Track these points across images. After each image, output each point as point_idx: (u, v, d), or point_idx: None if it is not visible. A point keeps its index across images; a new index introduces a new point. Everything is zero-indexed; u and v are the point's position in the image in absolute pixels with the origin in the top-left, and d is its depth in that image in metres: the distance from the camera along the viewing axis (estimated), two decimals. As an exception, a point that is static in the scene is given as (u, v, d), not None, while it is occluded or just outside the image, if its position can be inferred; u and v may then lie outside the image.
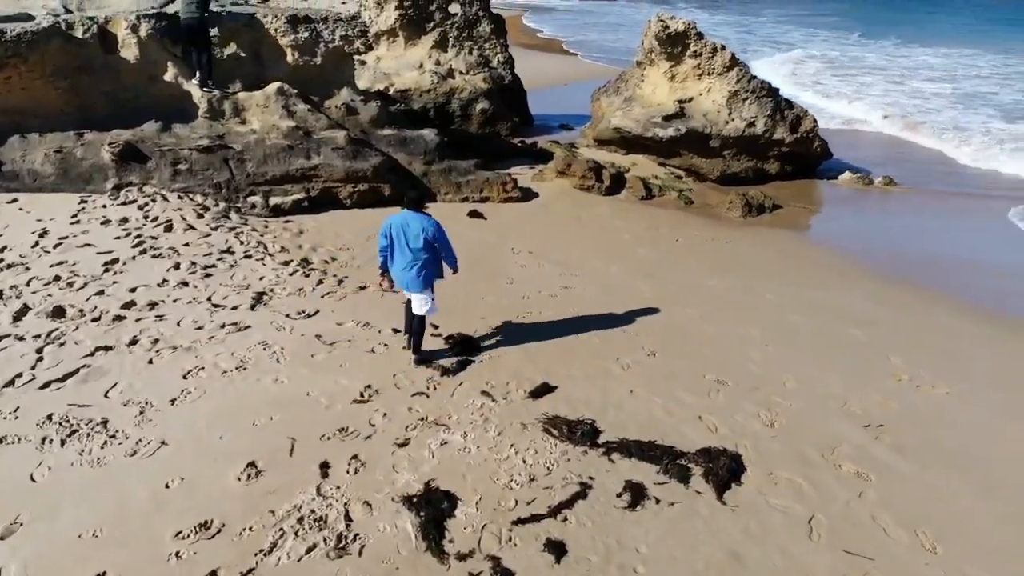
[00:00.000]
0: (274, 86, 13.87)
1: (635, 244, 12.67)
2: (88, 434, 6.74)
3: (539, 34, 47.25)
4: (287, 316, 9.16)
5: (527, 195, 14.98)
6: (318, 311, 9.35)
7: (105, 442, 6.66)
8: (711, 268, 11.81)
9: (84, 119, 13.01)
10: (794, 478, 6.61)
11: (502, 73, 20.82)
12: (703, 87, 16.82)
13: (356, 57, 15.02)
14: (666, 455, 6.75)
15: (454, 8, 20.48)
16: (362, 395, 7.49)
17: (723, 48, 16.58)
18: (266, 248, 11.19)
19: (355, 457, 6.53)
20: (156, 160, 12.71)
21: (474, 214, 13.63)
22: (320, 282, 10.22)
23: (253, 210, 12.62)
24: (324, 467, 6.41)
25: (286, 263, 10.73)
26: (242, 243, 11.20)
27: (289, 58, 14.06)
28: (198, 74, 13.32)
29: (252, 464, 6.41)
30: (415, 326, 8.10)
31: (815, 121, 17.03)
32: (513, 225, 13.23)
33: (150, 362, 7.94)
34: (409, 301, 8.02)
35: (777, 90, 16.96)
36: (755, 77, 16.73)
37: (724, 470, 6.58)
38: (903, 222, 14.85)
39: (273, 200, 12.87)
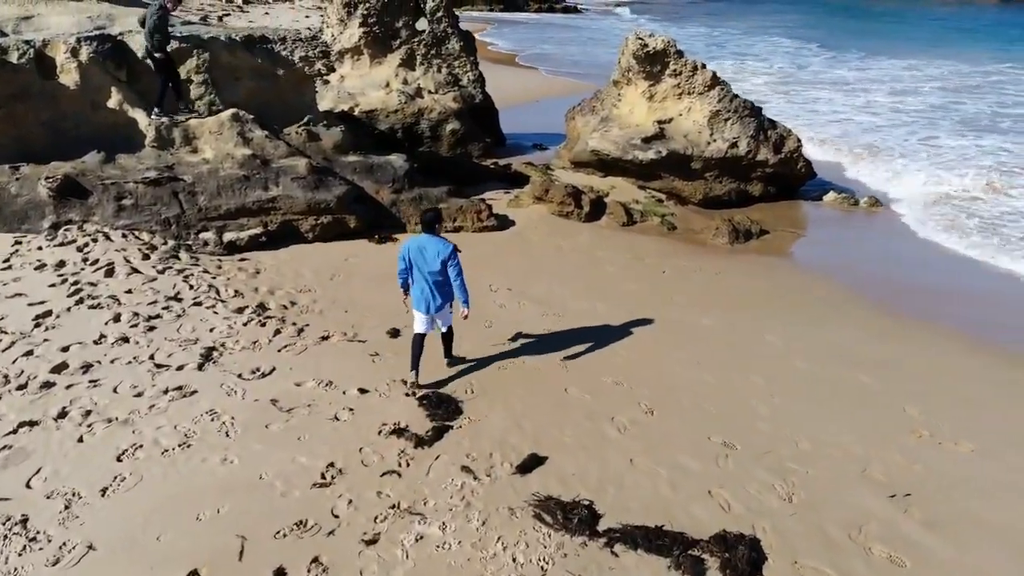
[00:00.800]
0: (228, 112, 12.88)
1: (620, 277, 11.85)
2: (5, 537, 5.72)
3: (491, 47, 46.16)
4: (239, 376, 8.17)
5: (503, 223, 14.11)
6: (274, 369, 8.37)
7: (24, 547, 5.65)
8: (703, 304, 11.02)
9: (21, 151, 11.92)
10: (821, 567, 5.81)
11: (473, 92, 19.98)
12: (683, 107, 16.12)
13: (319, 79, 14.04)
14: (676, 544, 5.89)
15: (421, 25, 19.63)
16: (324, 476, 6.54)
17: (704, 67, 15.91)
18: (218, 292, 10.18)
19: (316, 560, 5.59)
20: (98, 195, 11.63)
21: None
22: (277, 332, 9.25)
23: (205, 248, 11.60)
24: (279, 574, 5.45)
25: (240, 310, 9.73)
26: (192, 287, 10.17)
27: (245, 81, 13.07)
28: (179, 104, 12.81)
29: (195, 573, 5.44)
30: (446, 339, 8.57)
31: (799, 141, 16.42)
32: (490, 257, 12.34)
33: (80, 440, 6.91)
34: (418, 337, 8.11)
35: (760, 109, 16.33)
36: (737, 96, 16.08)
37: (743, 561, 5.75)
38: (892, 246, 14.22)
39: (228, 236, 11.85)
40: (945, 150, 21.45)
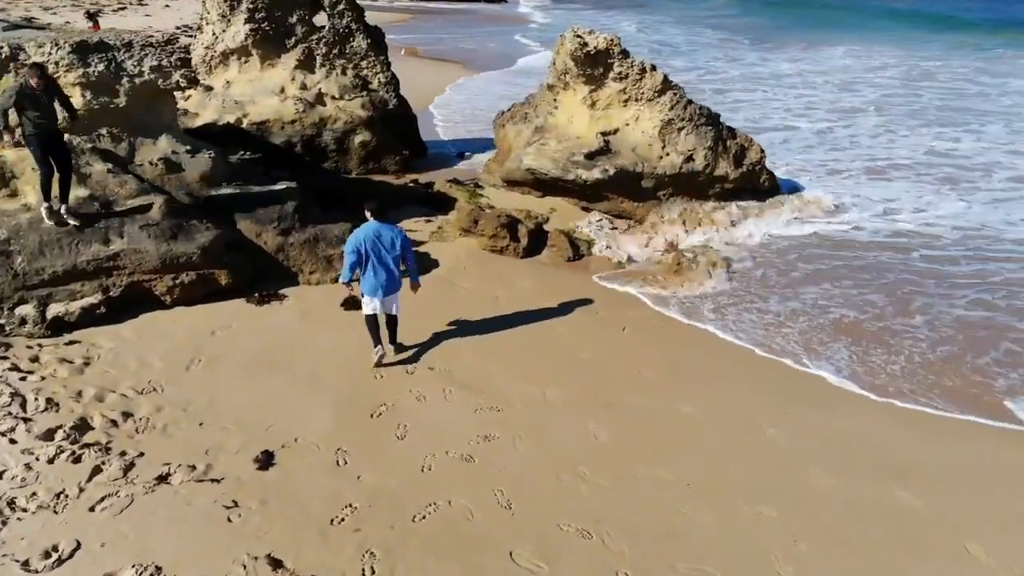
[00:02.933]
0: (57, 139, 9.86)
1: (572, 341, 9.40)
2: None
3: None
4: (23, 567, 5.40)
5: (424, 264, 11.48)
6: (78, 547, 5.63)
7: None
8: (678, 376, 8.70)
9: None
10: None
11: (385, 96, 17.20)
12: (630, 115, 13.77)
13: (181, 92, 11.11)
14: None
15: (320, 20, 16.72)
16: None
17: (653, 69, 13.58)
18: (24, 405, 7.30)
19: None
20: None
21: (350, 303, 10.03)
22: (97, 471, 6.48)
23: (23, 327, 8.65)
24: None
25: (49, 434, 6.90)
26: (-15, 398, 7.27)
27: (78, 100, 10.07)
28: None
29: None
30: (392, 324, 8.73)
31: (763, 151, 14.28)
32: (406, 320, 9.72)
33: None
34: (371, 317, 8.44)
35: (718, 116, 14.11)
36: (692, 102, 13.81)
37: None
38: (871, 274, 12.10)
39: (53, 309, 8.91)
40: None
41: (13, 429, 6.91)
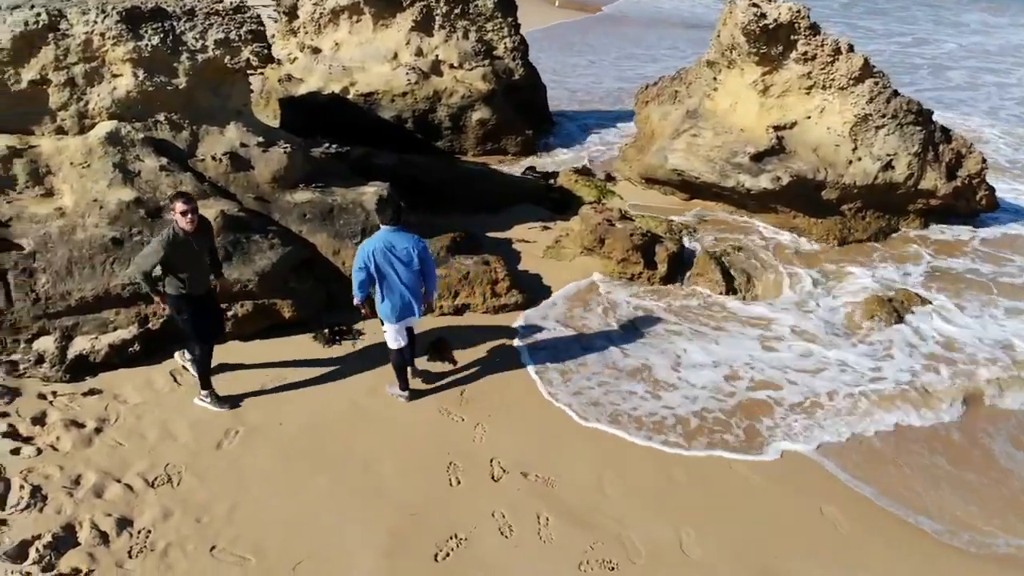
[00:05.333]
0: (103, 128, 8.22)
1: (752, 504, 6.92)
2: None
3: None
4: None
5: (532, 292, 9.25)
6: None
7: None
8: (888, 538, 6.10)
9: None
10: None
11: (511, 65, 14.82)
12: (813, 106, 10.76)
13: (254, 72, 9.16)
14: None
15: (442, -28, 14.44)
16: None
17: (850, 50, 10.45)
18: (5, 496, 5.68)
19: None
20: None
21: (436, 349, 7.99)
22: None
23: (39, 367, 7.09)
24: None
25: (22, 549, 5.24)
26: (-47, 487, 5.71)
27: (128, 80, 8.31)
28: None
29: None
30: (409, 346, 7.13)
31: (984, 161, 10.94)
32: (486, 400, 7.57)
33: None
34: (398, 353, 6.96)
35: (930, 113, 10.84)
36: (897, 94, 10.63)
37: None
38: None
39: (77, 345, 7.31)
40: None
41: (-28, 543, 5.28)
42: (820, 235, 10.70)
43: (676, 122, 12.07)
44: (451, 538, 5.61)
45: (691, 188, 11.37)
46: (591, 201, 11.68)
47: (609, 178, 13.19)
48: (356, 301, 6.84)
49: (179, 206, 6.26)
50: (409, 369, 7.29)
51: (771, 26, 10.34)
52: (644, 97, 13.79)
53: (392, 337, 6.88)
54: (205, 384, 6.91)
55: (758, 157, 10.51)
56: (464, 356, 7.94)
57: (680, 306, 9.18)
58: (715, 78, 11.77)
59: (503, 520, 5.80)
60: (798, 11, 10.30)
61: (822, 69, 10.47)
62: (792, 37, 10.48)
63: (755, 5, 10.40)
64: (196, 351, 6.82)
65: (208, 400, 6.90)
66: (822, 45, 10.37)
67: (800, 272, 10.01)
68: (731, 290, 9.59)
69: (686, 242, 10.40)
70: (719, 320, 8.95)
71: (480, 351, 8.05)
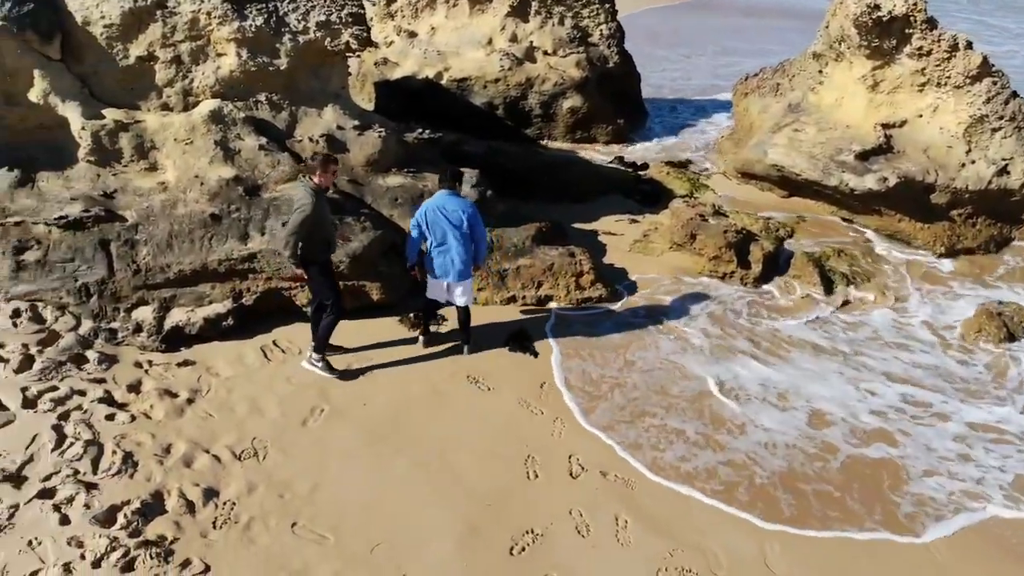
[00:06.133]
0: (207, 106, 8.44)
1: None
2: None
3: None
4: None
5: (617, 288, 9.07)
6: None
7: None
8: None
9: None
10: None
11: (605, 53, 14.57)
12: (925, 105, 10.18)
13: (351, 55, 9.23)
14: None
15: (540, -43, 14.27)
16: None
17: (968, 47, 9.80)
18: (97, 460, 5.92)
19: None
20: (-8, 241, 7.61)
21: (517, 339, 7.91)
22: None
23: (137, 336, 7.37)
24: None
25: (111, 515, 5.43)
26: (58, 446, 5.97)
27: (231, 60, 8.51)
28: None
29: None
30: (463, 317, 7.47)
31: (1117, 164, 10.10)
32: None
33: None
34: (432, 303, 7.49)
35: (1058, 112, 10.08)
36: (1016, 95, 9.92)
37: None
38: None
39: (174, 317, 7.55)
40: None
41: (71, 500, 5.51)
42: (927, 241, 10.12)
43: (777, 115, 11.61)
44: (527, 532, 5.55)
45: (790, 185, 10.93)
46: (683, 195, 11.38)
47: (702, 171, 12.82)
48: (408, 263, 7.28)
49: (332, 167, 6.80)
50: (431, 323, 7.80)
51: (885, 19, 9.78)
52: (743, 88, 13.34)
53: (428, 288, 7.35)
54: (323, 348, 7.10)
55: (864, 156, 10.00)
56: (544, 348, 7.84)
57: (769, 314, 8.79)
58: (821, 71, 11.26)
59: (580, 519, 5.69)
60: (914, 4, 9.70)
61: (937, 66, 9.86)
62: (907, 31, 9.89)
63: (870, -5, 9.86)
64: (334, 313, 6.97)
65: (320, 365, 7.09)
66: (938, 40, 9.76)
67: (905, 281, 9.48)
68: (829, 291, 9.17)
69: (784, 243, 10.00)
70: (809, 337, 8.44)
71: (564, 343, 7.93)
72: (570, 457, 6.34)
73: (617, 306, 8.73)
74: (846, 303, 9.01)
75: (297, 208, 6.57)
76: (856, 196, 9.98)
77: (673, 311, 8.65)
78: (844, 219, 10.77)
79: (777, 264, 9.55)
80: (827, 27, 10.87)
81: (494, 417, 6.79)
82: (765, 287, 9.25)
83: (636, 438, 6.64)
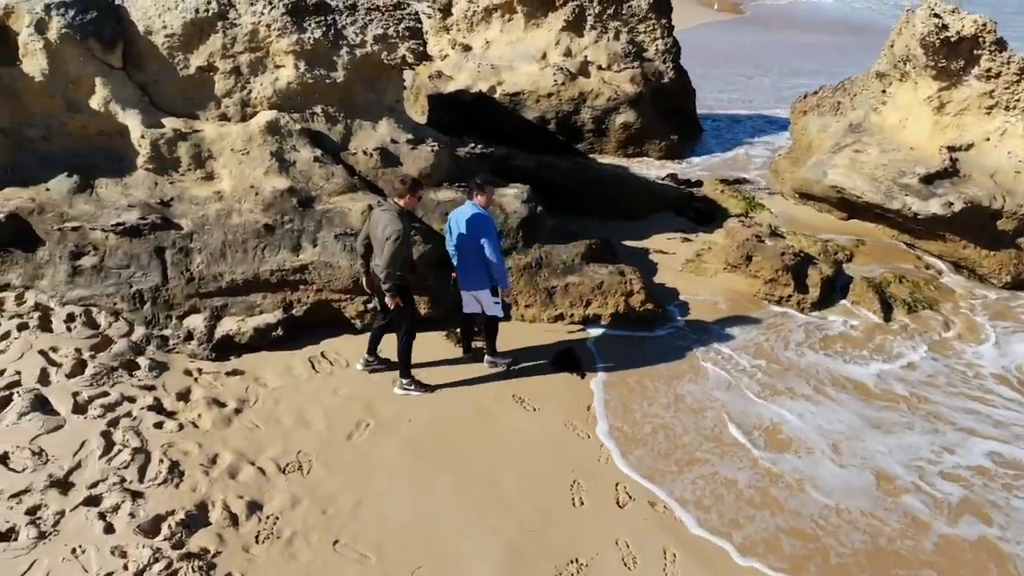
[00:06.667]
0: (264, 117, 8.53)
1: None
2: None
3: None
4: None
5: (668, 309, 8.88)
6: None
7: None
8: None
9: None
10: None
11: (660, 68, 14.42)
12: (993, 128, 9.80)
13: (407, 68, 9.24)
14: None
15: (595, -29, 14.20)
16: None
17: (1044, 66, 9.42)
18: (142, 470, 5.94)
19: None
20: (52, 246, 7.77)
21: (564, 360, 7.76)
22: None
23: (188, 343, 7.44)
24: None
25: (155, 524, 5.44)
26: (105, 453, 6.03)
27: (289, 72, 8.59)
28: None
29: None
30: (488, 326, 7.44)
31: None
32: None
33: None
34: (464, 315, 7.53)
35: None
36: (1095, 115, 9.49)
37: None
38: None
39: (225, 326, 7.61)
40: None
41: (117, 508, 5.54)
42: (992, 269, 9.72)
43: (837, 135, 11.31)
44: (571, 562, 5.40)
45: (849, 207, 10.62)
46: (738, 214, 11.15)
47: (758, 190, 12.55)
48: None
49: (420, 192, 7.22)
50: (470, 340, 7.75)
51: (953, 39, 9.45)
52: (802, 107, 13.05)
53: (463, 299, 7.38)
54: (408, 371, 7.09)
55: (928, 179, 9.66)
56: (591, 370, 7.70)
57: (828, 345, 8.44)
58: (884, 91, 10.93)
59: (627, 550, 5.53)
60: (984, 24, 9.36)
61: (1006, 88, 9.49)
62: (975, 52, 9.55)
63: (936, 16, 9.52)
64: (409, 334, 6.99)
65: (412, 388, 7.08)
66: (1008, 62, 9.39)
67: (974, 312, 9.10)
68: (888, 316, 8.85)
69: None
70: (869, 374, 8.01)
71: (610, 366, 7.78)
72: (617, 485, 6.18)
73: (667, 329, 8.54)
74: (909, 336, 8.67)
75: (391, 236, 6.45)
76: (919, 221, 9.64)
77: (725, 337, 8.42)
78: (906, 243, 10.41)
79: (835, 289, 9.25)
80: (892, 46, 10.56)
81: (539, 439, 6.66)
82: (823, 313, 8.96)
83: (682, 492, 6.14)
